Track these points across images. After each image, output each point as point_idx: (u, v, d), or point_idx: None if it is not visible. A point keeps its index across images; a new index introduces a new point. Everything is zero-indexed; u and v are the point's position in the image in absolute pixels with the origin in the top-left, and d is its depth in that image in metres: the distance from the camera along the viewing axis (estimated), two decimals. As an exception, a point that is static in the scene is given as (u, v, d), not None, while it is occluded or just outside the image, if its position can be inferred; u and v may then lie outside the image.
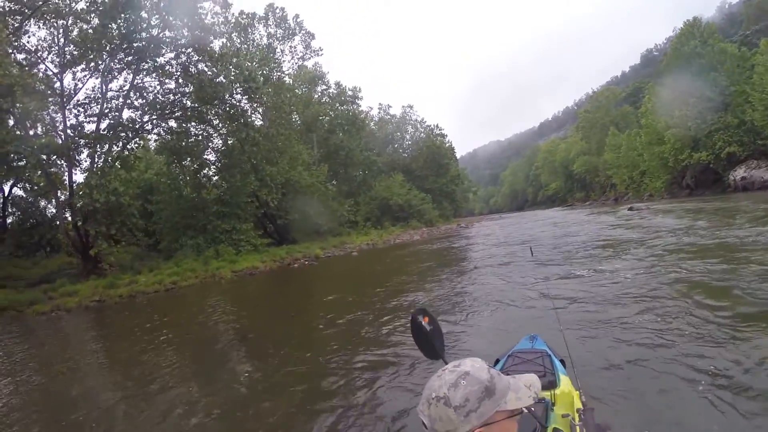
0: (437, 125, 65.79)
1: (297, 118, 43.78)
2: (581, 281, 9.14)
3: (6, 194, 27.35)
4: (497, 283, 10.26)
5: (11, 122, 20.75)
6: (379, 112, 63.72)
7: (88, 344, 10.55)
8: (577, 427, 2.05)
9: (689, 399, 3.95)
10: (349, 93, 52.14)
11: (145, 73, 25.08)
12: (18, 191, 28.02)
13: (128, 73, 24.44)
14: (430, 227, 49.60)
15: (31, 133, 21.80)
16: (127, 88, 24.39)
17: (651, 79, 66.28)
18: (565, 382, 2.84)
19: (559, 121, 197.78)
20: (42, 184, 24.61)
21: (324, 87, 51.87)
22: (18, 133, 20.24)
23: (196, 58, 24.86)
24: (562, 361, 3.24)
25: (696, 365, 4.53)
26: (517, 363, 3.08)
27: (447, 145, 66.41)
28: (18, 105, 19.61)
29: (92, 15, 22.41)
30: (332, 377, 5.64)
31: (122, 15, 22.21)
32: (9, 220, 27.85)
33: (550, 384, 2.73)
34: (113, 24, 22.39)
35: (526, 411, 1.41)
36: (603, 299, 7.44)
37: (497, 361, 3.28)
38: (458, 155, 77.47)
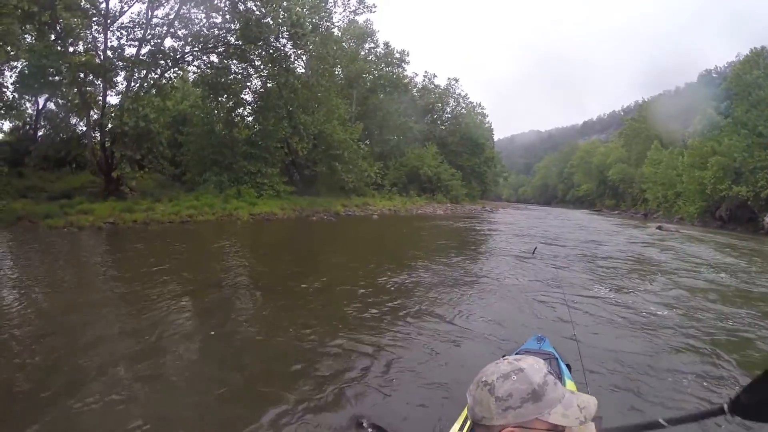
0: (480, 104, 64.63)
1: (340, 72, 42.93)
2: (600, 292, 8.73)
3: (40, 107, 27.24)
4: (510, 279, 9.72)
5: (52, 37, 20.42)
6: (424, 80, 62.08)
7: (92, 266, 10.27)
8: None
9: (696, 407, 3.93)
10: (397, 55, 51.17)
11: (192, 3, 24.47)
12: (51, 106, 27.88)
13: (175, 1, 23.91)
14: (454, 204, 49.18)
15: (71, 50, 21.45)
16: (172, 16, 23.93)
17: (705, 101, 63.67)
18: (570, 387, 2.57)
19: (603, 123, 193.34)
20: (76, 101, 24.31)
21: (372, 45, 50.74)
22: (58, 48, 19.91)
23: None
24: (568, 366, 3.22)
25: (710, 384, 4.54)
26: None
27: (486, 125, 65.30)
28: (60, 20, 19.37)
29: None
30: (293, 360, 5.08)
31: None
32: (40, 133, 27.81)
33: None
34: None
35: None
36: (621, 317, 7.14)
37: (504, 357, 2.93)
38: (496, 138, 76.37)
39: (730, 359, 5.35)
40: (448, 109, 63.53)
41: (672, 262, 13.74)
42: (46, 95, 26.35)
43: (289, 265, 10.89)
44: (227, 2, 24.24)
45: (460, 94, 63.18)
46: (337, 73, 40.43)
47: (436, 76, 62.36)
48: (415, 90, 59.49)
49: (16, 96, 24.76)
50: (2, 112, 24.49)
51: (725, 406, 1.73)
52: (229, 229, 17.62)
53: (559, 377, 2.77)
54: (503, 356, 1.45)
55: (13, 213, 15.66)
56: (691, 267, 13.06)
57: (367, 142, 48.27)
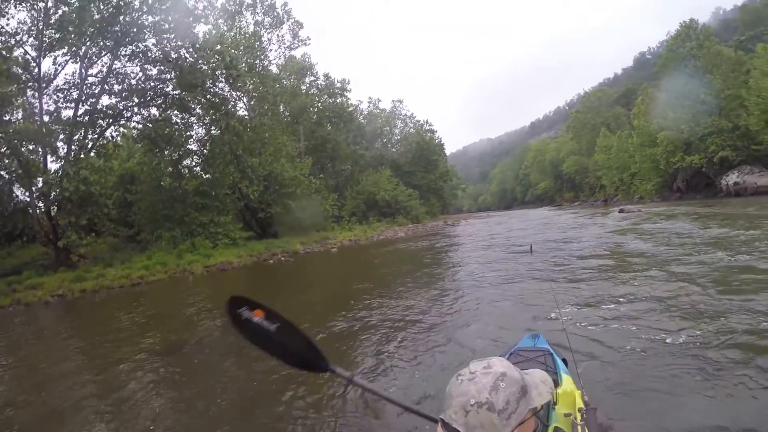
0: (427, 121, 66.15)
1: (284, 109, 43.16)
2: (584, 284, 8.78)
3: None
4: (484, 285, 9.89)
5: None
6: (369, 106, 63.10)
7: (22, 346, 9.99)
8: (579, 427, 2.01)
9: (694, 401, 3.95)
10: (338, 85, 51.69)
11: (126, 58, 24.48)
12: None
13: (108, 59, 23.85)
14: (416, 224, 49.23)
15: (7, 118, 21.23)
16: (104, 72, 23.85)
17: (644, 81, 65.84)
18: (567, 382, 2.84)
19: (550, 120, 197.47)
20: (19, 171, 23.96)
21: (312, 78, 51.40)
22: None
23: (178, 43, 24.28)
24: (564, 360, 3.25)
25: (703, 369, 4.52)
26: (519, 361, 3.03)
27: (436, 141, 66.07)
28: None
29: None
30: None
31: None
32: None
33: (552, 383, 2.54)
34: (93, 6, 21.75)
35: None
36: (609, 309, 7.08)
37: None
38: (448, 152, 77.50)
39: (726, 345, 5.14)
40: (397, 131, 64.57)
41: (642, 244, 13.70)
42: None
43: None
44: (159, 53, 24.19)
45: (406, 115, 64.68)
46: (281, 110, 40.57)
47: (380, 101, 63.53)
48: (361, 117, 60.13)
49: None
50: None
51: None
52: (181, 285, 17.31)
53: (555, 372, 2.87)
54: (467, 369, 1.38)
55: (-45, 296, 15.34)
56: (661, 243, 13.19)
57: (321, 175, 48.38)
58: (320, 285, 15.18)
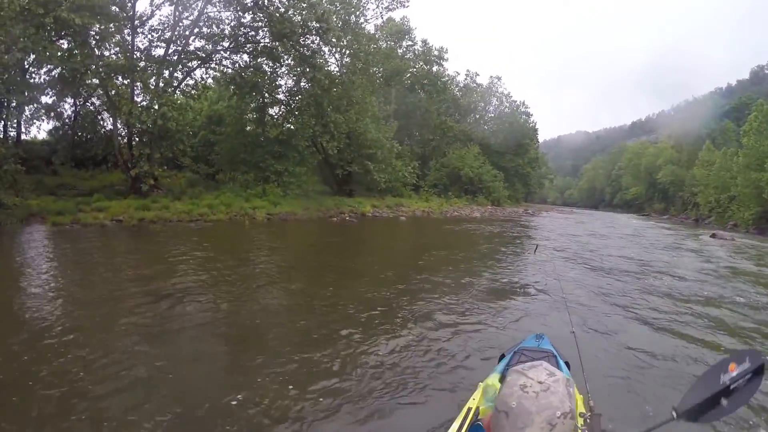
0: (524, 102, 62.96)
1: (377, 70, 42.40)
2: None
3: (77, 108, 27.77)
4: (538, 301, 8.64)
5: (92, 42, 20.73)
6: (466, 79, 60.90)
7: (54, 266, 9.89)
8: None
9: None
10: (435, 53, 50.42)
11: (220, 4, 24.65)
12: (89, 106, 28.42)
13: (202, 2, 24.00)
14: (495, 206, 47.99)
15: (103, 53, 21.78)
16: (194, 17, 24.01)
17: (760, 96, 59.90)
18: None
19: (652, 123, 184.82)
20: (106, 101, 24.75)
21: (409, 43, 50.11)
22: (85, 52, 20.18)
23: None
24: (567, 364, 3.23)
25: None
26: (523, 360, 2.96)
27: (531, 124, 63.49)
28: (96, 26, 19.65)
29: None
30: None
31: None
32: (79, 133, 28.37)
33: None
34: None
35: None
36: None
37: (503, 356, 3.38)
38: (541, 139, 74.96)
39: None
40: (491, 109, 62.15)
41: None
42: (84, 97, 26.86)
43: (263, 272, 10.14)
44: (251, 1, 24.05)
45: (503, 93, 61.92)
46: (374, 71, 39.85)
47: (478, 75, 61.42)
48: (456, 89, 58.62)
49: (55, 99, 25.86)
50: (41, 113, 25.78)
51: (673, 413, 1.81)
52: (237, 228, 17.44)
53: None
54: (530, 378, 1.31)
55: (26, 209, 15.79)
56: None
57: (407, 141, 47.81)
58: (367, 253, 14.68)
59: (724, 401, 1.82)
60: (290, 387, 4.21)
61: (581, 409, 2.47)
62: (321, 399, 4.05)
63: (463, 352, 5.43)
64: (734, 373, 1.84)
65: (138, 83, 21.68)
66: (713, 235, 29.10)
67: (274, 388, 4.17)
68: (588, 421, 2.10)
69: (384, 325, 6.26)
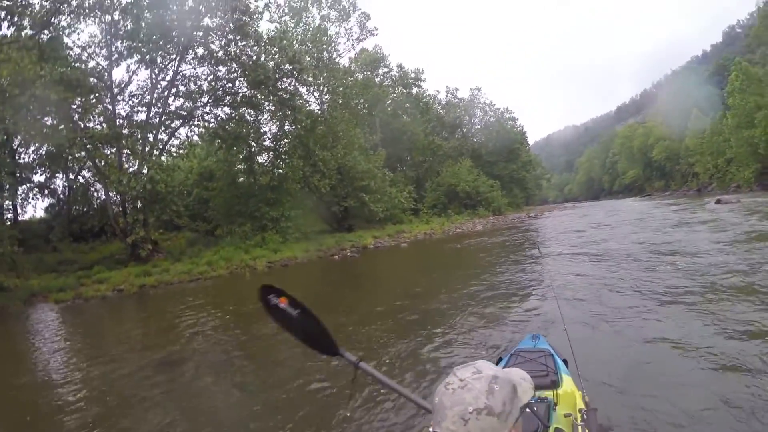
0: (507, 108, 63.16)
1: (359, 102, 42.74)
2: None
3: (70, 183, 28.10)
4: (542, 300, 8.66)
5: (74, 117, 21.13)
6: (447, 96, 61.13)
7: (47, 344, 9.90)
8: (579, 428, 2.04)
9: (694, 402, 3.99)
10: (412, 75, 50.85)
11: (195, 61, 25.04)
12: (81, 179, 28.79)
13: (175, 63, 24.39)
14: (497, 216, 47.81)
15: (90, 125, 22.11)
16: (170, 77, 24.36)
17: (736, 56, 59.83)
18: (567, 382, 2.87)
19: (636, 104, 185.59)
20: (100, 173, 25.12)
21: (385, 69, 50.40)
22: (70, 125, 20.64)
23: (240, 43, 24.45)
24: (564, 361, 3.27)
25: (705, 370, 4.61)
26: (520, 362, 3.03)
27: (518, 129, 63.53)
28: (79, 100, 20.32)
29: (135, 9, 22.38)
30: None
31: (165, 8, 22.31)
32: (75, 207, 28.65)
33: (553, 383, 2.72)
34: (150, 15, 22.33)
35: (528, 411, 1.54)
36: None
37: (500, 360, 3.33)
38: (531, 141, 75.09)
39: (732, 349, 5.09)
40: (476, 120, 62.29)
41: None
42: (75, 171, 27.21)
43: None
44: (222, 54, 24.49)
45: (485, 103, 62.13)
46: (354, 103, 40.22)
47: (458, 89, 61.52)
48: (439, 107, 59.04)
49: (47, 175, 26.41)
50: (35, 192, 26.13)
51: None
52: (238, 282, 17.43)
53: (556, 373, 2.85)
54: (455, 376, 1.29)
55: (28, 290, 15.88)
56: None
57: (400, 167, 48.10)
58: (369, 286, 14.61)
59: None
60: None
61: (579, 405, 2.57)
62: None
63: (462, 355, 5.61)
64: None
65: (124, 150, 21.97)
66: (718, 201, 29.22)
67: None
68: (585, 416, 2.21)
69: (384, 348, 6.43)
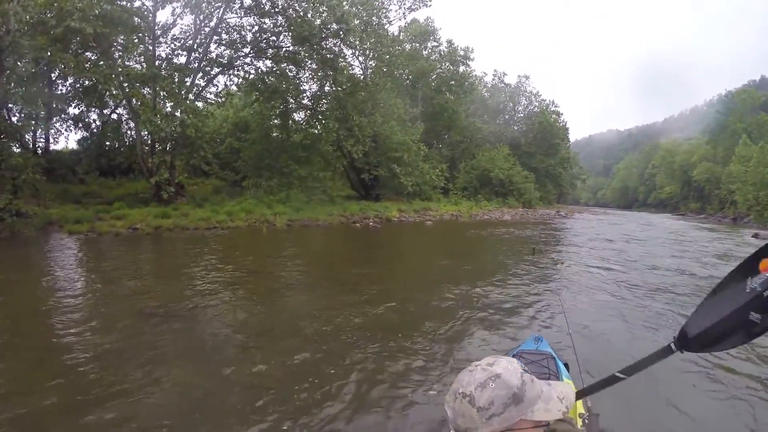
0: (553, 101, 61.60)
1: (403, 72, 41.92)
2: None
3: (103, 119, 28.10)
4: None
5: (116, 54, 21.20)
6: (494, 79, 60.02)
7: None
8: None
9: (697, 410, 3.99)
10: (461, 53, 49.54)
11: (241, 11, 24.55)
12: (115, 116, 28.79)
13: (220, 10, 23.93)
14: (527, 208, 46.91)
15: (124, 63, 22.16)
16: (214, 24, 23.96)
17: None
18: None
19: (685, 119, 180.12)
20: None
21: (435, 43, 49.24)
22: (109, 62, 20.61)
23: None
24: (566, 365, 3.28)
25: (707, 378, 4.63)
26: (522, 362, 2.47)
27: (561, 124, 61.78)
28: (122, 38, 20.47)
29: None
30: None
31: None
32: (108, 143, 28.67)
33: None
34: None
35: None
36: None
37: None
38: (572, 138, 73.47)
39: (733, 357, 5.17)
40: (520, 108, 61.07)
41: None
42: (112, 107, 27.30)
43: (263, 284, 9.72)
44: (269, 6, 23.94)
45: (531, 92, 60.81)
46: (399, 73, 39.43)
47: (506, 75, 60.47)
48: (484, 90, 57.84)
49: (82, 109, 26.51)
50: (70, 124, 26.21)
51: (672, 345, 1.66)
52: (254, 236, 17.13)
53: (557, 376, 2.87)
54: (475, 362, 1.34)
55: (45, 218, 15.81)
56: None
57: (436, 144, 47.40)
58: (383, 262, 13.59)
59: (755, 315, 1.41)
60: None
61: (580, 409, 2.50)
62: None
63: (462, 354, 5.39)
64: None
65: (160, 92, 21.73)
66: (756, 236, 27.81)
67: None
68: (586, 421, 2.16)
69: (376, 335, 5.92)
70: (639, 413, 3.96)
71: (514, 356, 3.00)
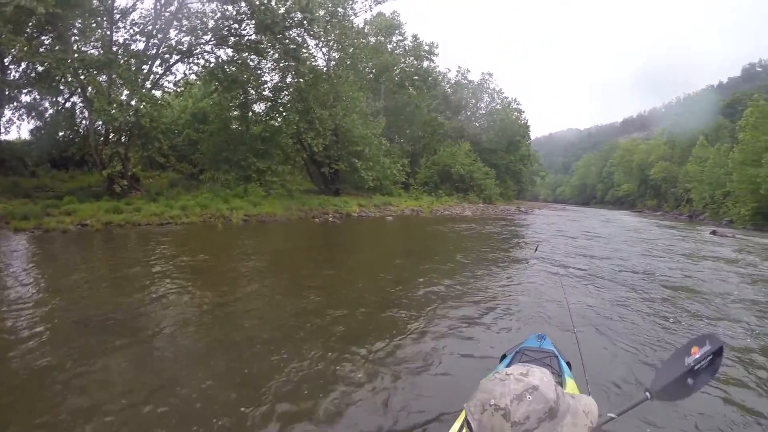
0: (515, 99, 62.66)
1: (367, 65, 41.74)
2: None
3: (59, 108, 27.01)
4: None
5: (72, 39, 20.38)
6: (457, 76, 60.22)
7: None
8: None
9: (696, 408, 4.10)
10: (426, 48, 49.70)
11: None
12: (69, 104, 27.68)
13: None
14: (487, 204, 47.48)
15: (79, 48, 21.12)
16: (172, 9, 23.22)
17: (754, 92, 58.99)
18: (571, 386, 2.85)
19: (643, 120, 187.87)
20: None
21: (399, 38, 49.40)
22: (64, 47, 19.67)
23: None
24: (568, 364, 3.24)
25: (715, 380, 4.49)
26: (525, 360, 3.01)
27: (522, 121, 62.96)
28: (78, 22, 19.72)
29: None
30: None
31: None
32: (61, 133, 27.62)
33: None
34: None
35: None
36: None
37: (504, 357, 3.39)
38: (533, 136, 74.61)
39: (740, 360, 5.33)
40: (482, 105, 61.61)
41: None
42: (67, 95, 26.17)
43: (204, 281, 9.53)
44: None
45: (494, 89, 61.40)
46: (362, 66, 39.23)
47: (469, 71, 61.08)
48: (447, 85, 58.07)
49: (38, 97, 25.46)
50: (22, 112, 25.11)
51: (647, 394, 2.04)
52: (208, 232, 16.65)
53: (560, 375, 2.86)
54: (505, 370, 1.28)
55: (-11, 213, 15.10)
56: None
57: (399, 139, 47.43)
58: (342, 260, 13.31)
59: (690, 380, 2.06)
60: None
61: None
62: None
63: (462, 352, 5.38)
64: (697, 356, 2.08)
65: (116, 79, 20.89)
66: (714, 232, 28.97)
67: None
68: None
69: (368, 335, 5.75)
70: (642, 414, 3.97)
71: (516, 354, 3.21)
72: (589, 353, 3.68)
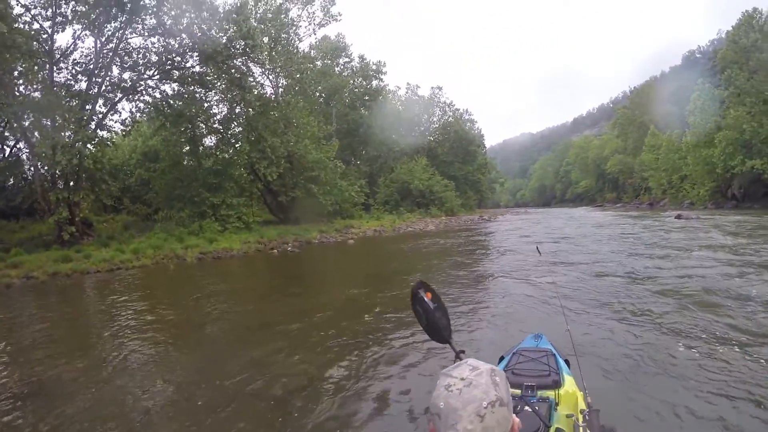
0: (467, 110, 64.07)
1: (316, 89, 41.75)
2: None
3: (5, 155, 26.20)
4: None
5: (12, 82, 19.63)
6: (407, 92, 61.41)
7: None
8: (581, 428, 2.05)
9: (697, 404, 4.12)
10: (373, 67, 50.16)
11: (145, 31, 23.47)
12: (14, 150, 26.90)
13: (121, 32, 22.81)
14: (450, 216, 47.70)
15: (26, 92, 20.59)
16: (112, 46, 22.80)
17: (697, 78, 61.23)
18: (569, 382, 2.86)
19: (593, 117, 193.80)
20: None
21: (346, 59, 49.84)
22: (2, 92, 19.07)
23: (194, 14, 23.28)
24: (566, 361, 3.29)
25: (707, 372, 4.75)
26: (522, 361, 3.04)
27: (476, 131, 64.11)
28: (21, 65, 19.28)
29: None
30: None
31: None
32: (11, 182, 26.76)
33: (555, 383, 2.73)
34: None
35: (530, 410, 1.72)
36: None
37: (502, 358, 3.35)
38: (488, 145, 76.45)
39: (733, 355, 5.29)
40: (435, 119, 62.70)
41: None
42: (13, 141, 25.34)
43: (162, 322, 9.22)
44: (172, 24, 23.14)
45: (445, 103, 62.64)
46: (312, 91, 39.24)
47: (419, 87, 61.87)
48: (398, 103, 58.68)
49: None
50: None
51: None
52: (159, 275, 16.21)
53: (558, 373, 2.84)
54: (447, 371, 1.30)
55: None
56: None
57: (354, 161, 47.58)
58: (298, 293, 12.54)
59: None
60: None
61: (581, 405, 2.56)
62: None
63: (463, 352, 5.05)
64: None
65: (59, 120, 20.33)
66: (679, 216, 29.74)
67: None
68: (587, 416, 2.15)
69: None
70: (639, 408, 4.07)
71: (513, 354, 3.16)
72: (584, 351, 4.16)
